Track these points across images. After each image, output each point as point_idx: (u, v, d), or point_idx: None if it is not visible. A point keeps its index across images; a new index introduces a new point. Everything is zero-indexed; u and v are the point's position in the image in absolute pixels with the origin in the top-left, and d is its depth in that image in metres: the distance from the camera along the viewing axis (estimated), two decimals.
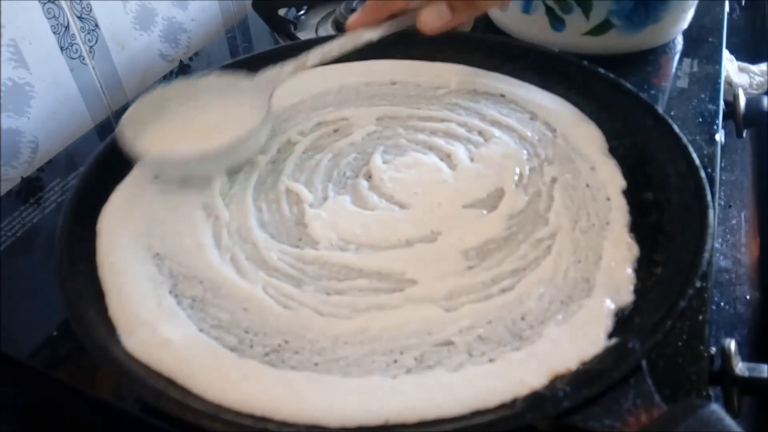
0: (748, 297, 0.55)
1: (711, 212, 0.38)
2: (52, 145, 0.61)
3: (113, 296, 0.39)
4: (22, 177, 0.57)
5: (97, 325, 0.37)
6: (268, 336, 0.36)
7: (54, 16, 0.59)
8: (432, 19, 0.46)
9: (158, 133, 0.47)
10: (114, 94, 0.67)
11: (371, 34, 0.48)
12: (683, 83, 0.60)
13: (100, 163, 0.47)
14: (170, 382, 0.34)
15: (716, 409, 0.28)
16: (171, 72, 0.71)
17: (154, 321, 0.37)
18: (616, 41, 0.61)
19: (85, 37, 0.62)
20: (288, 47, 0.60)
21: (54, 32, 0.59)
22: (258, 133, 0.47)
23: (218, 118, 0.48)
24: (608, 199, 0.43)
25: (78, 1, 0.61)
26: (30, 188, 0.56)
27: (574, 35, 0.61)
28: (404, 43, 0.58)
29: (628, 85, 0.49)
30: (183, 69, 0.72)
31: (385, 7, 0.48)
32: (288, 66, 0.49)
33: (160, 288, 0.39)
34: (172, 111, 0.48)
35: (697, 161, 0.42)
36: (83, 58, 0.63)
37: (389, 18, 0.48)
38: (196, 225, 0.43)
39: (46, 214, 0.52)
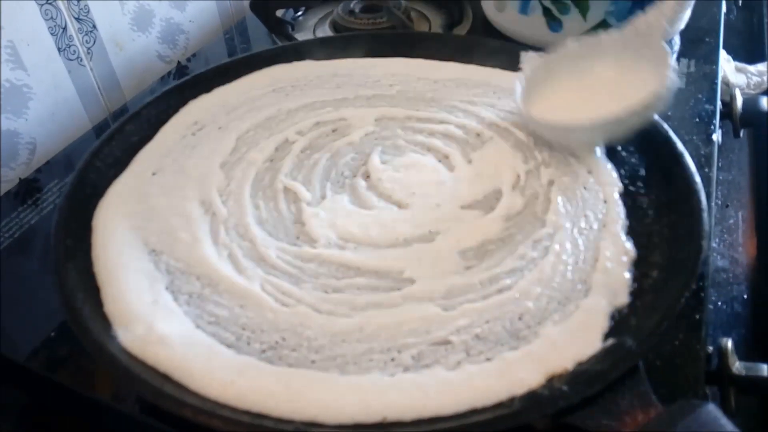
0: (745, 296, 0.55)
1: (706, 216, 0.39)
2: (50, 146, 0.60)
3: (109, 292, 0.39)
4: (20, 178, 0.57)
5: (93, 321, 0.37)
6: (266, 333, 0.37)
7: (52, 17, 0.59)
8: None
9: (549, 98, 0.47)
10: (112, 96, 0.67)
11: None
12: (680, 83, 0.60)
13: (96, 159, 0.47)
14: (167, 378, 0.34)
15: (713, 408, 0.28)
16: (169, 73, 0.71)
17: (150, 317, 0.37)
18: None
19: (82, 38, 0.62)
20: (286, 48, 0.61)
21: (52, 33, 0.59)
22: (653, 104, 0.43)
23: (613, 81, 0.46)
24: (605, 201, 0.43)
25: (75, 3, 0.61)
26: (28, 189, 0.55)
27: (571, 36, 0.61)
28: (403, 44, 0.58)
29: None
30: (181, 70, 0.72)
31: None
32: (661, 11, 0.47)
33: (157, 284, 0.39)
34: (563, 73, 0.48)
35: (693, 165, 0.42)
36: (81, 60, 0.63)
37: None
38: (192, 221, 0.43)
39: (44, 215, 0.52)
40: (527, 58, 0.50)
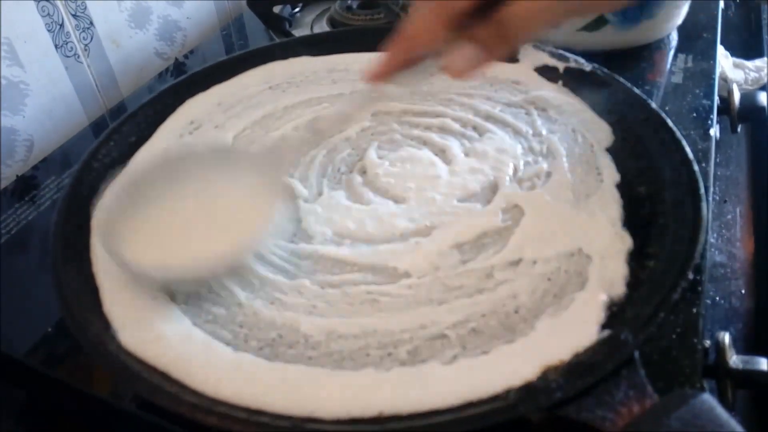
0: (743, 291, 0.55)
1: (704, 205, 0.38)
2: (47, 143, 0.61)
3: (108, 292, 0.39)
4: (17, 175, 0.57)
5: (91, 320, 0.37)
6: (263, 330, 0.37)
7: (48, 14, 0.59)
8: (460, 64, 0.36)
9: (142, 232, 0.38)
10: (109, 93, 0.67)
11: (392, 90, 0.39)
12: (678, 79, 0.60)
13: (94, 159, 0.47)
14: (165, 376, 0.34)
15: (708, 398, 0.28)
16: (166, 70, 0.71)
17: (148, 316, 0.37)
18: (610, 37, 0.61)
19: (80, 35, 0.62)
20: (283, 44, 0.60)
21: (49, 30, 0.59)
22: (277, 228, 0.38)
23: (216, 204, 0.39)
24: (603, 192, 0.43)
25: (72, 0, 0.61)
26: (25, 186, 0.56)
27: (569, 31, 0.61)
28: None
29: (622, 80, 0.50)
30: (178, 67, 0.72)
31: (406, 49, 0.37)
32: (293, 140, 0.42)
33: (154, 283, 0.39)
34: (154, 196, 0.39)
35: (691, 155, 0.42)
36: (78, 57, 0.63)
37: (409, 64, 0.38)
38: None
39: (42, 211, 0.52)
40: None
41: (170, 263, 0.37)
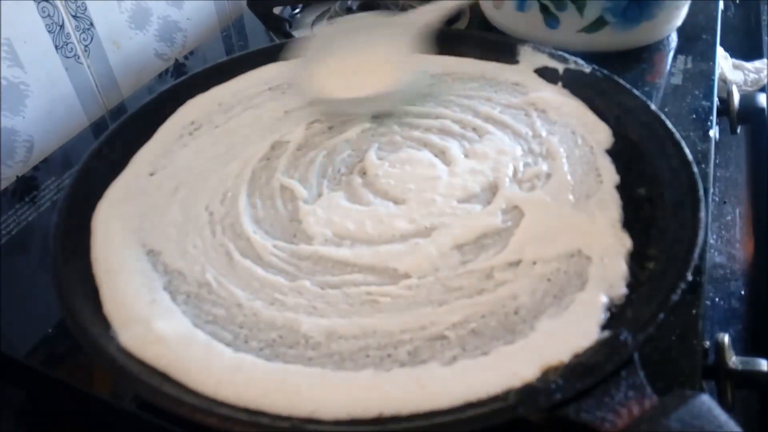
0: (742, 292, 0.55)
1: (703, 206, 0.39)
2: (47, 144, 0.61)
3: (107, 293, 0.39)
4: (17, 176, 0.57)
5: (91, 321, 0.37)
6: (263, 331, 0.37)
7: (49, 15, 0.59)
8: None
9: (325, 73, 0.52)
10: (109, 93, 0.67)
11: None
12: (677, 80, 0.60)
13: (95, 160, 0.47)
14: (165, 377, 0.34)
15: (707, 399, 0.28)
16: (166, 71, 0.71)
17: (148, 317, 0.37)
18: (610, 38, 0.61)
19: (80, 36, 0.62)
20: (284, 45, 0.60)
21: (49, 31, 0.59)
22: (406, 86, 0.51)
23: (376, 59, 0.53)
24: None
25: (73, 1, 0.61)
26: (25, 187, 0.56)
27: (568, 32, 0.61)
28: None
29: (622, 81, 0.50)
30: (178, 68, 0.72)
31: None
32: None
33: (155, 284, 0.39)
34: (337, 50, 0.53)
35: (690, 156, 0.42)
36: (78, 57, 0.63)
37: None
38: (190, 220, 0.43)
39: (42, 212, 0.52)
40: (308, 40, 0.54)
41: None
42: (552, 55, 0.54)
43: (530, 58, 0.55)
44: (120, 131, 0.50)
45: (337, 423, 0.32)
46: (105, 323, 0.37)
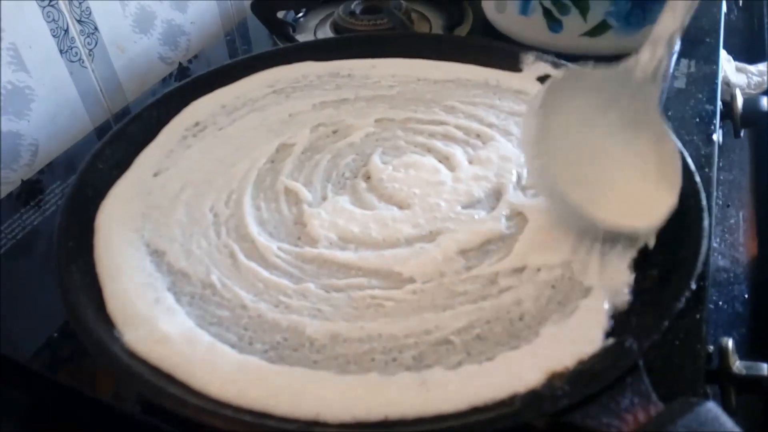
0: (746, 296, 0.55)
1: (707, 215, 0.39)
2: (52, 148, 0.61)
3: (111, 293, 0.39)
4: (22, 180, 0.57)
5: (95, 321, 0.37)
6: (268, 333, 0.37)
7: (53, 19, 0.59)
8: None
9: (566, 164, 0.36)
10: (114, 97, 0.67)
11: None
12: (681, 83, 0.60)
13: (98, 160, 0.47)
14: (169, 378, 0.34)
15: (712, 406, 0.28)
16: (170, 75, 0.71)
17: (152, 317, 0.37)
18: (613, 42, 0.61)
19: (84, 40, 0.63)
20: (286, 49, 0.61)
21: (53, 35, 0.59)
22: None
23: (617, 156, 0.37)
24: None
25: (77, 5, 0.61)
26: (30, 191, 0.56)
27: (571, 37, 0.61)
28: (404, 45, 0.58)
29: None
30: (182, 71, 0.72)
31: None
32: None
33: (159, 284, 0.39)
34: (567, 117, 0.37)
35: (692, 165, 0.42)
36: (83, 62, 0.63)
37: None
38: (194, 222, 0.44)
39: (46, 216, 0.52)
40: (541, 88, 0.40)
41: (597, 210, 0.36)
42: (555, 64, 0.54)
43: (533, 67, 0.55)
44: (124, 132, 0.50)
45: (342, 426, 0.32)
46: (109, 323, 0.37)
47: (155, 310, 0.38)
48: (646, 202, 0.36)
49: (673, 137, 0.37)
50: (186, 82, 0.56)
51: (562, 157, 0.37)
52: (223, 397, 0.33)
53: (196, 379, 0.34)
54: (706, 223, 0.38)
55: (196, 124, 0.52)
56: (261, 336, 0.37)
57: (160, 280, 0.40)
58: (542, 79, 0.54)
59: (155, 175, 0.48)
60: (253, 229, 0.43)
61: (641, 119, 0.37)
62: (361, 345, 0.36)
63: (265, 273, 0.40)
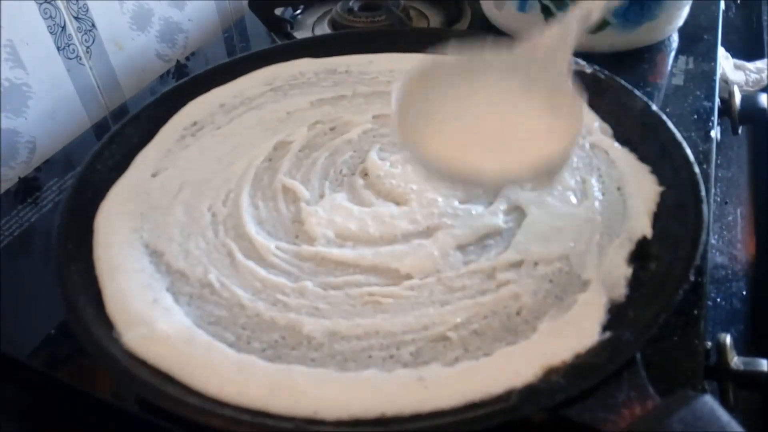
0: (744, 293, 0.55)
1: (705, 207, 0.39)
2: (49, 145, 0.61)
3: (110, 293, 0.39)
4: (19, 177, 0.57)
5: (94, 322, 0.37)
6: (266, 332, 0.37)
7: (51, 16, 0.59)
8: None
9: (433, 126, 0.37)
10: (111, 94, 0.67)
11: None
12: (679, 80, 0.60)
13: (97, 161, 0.47)
14: (168, 378, 0.34)
15: (709, 400, 0.28)
16: (168, 72, 0.71)
17: (151, 317, 0.37)
18: (611, 39, 0.61)
19: (82, 37, 0.63)
20: (284, 46, 0.61)
21: (51, 33, 0.59)
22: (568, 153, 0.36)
23: (506, 115, 0.37)
24: (603, 193, 0.43)
25: (75, 2, 0.61)
26: (28, 188, 0.56)
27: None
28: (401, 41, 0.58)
29: (623, 82, 0.50)
30: (180, 69, 0.72)
31: None
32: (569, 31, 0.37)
33: (157, 284, 0.39)
34: (442, 95, 0.38)
35: (692, 157, 0.42)
36: (80, 59, 0.63)
37: None
38: (192, 221, 0.44)
39: (44, 213, 0.52)
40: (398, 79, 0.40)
41: (469, 165, 0.35)
42: None
43: None
44: (122, 132, 0.50)
45: (340, 423, 0.32)
46: (108, 324, 0.37)
47: (154, 310, 0.38)
48: (535, 148, 0.36)
49: (573, 89, 0.37)
50: (183, 81, 0.56)
51: (439, 126, 0.37)
52: (222, 396, 0.33)
53: (194, 378, 0.34)
54: (704, 214, 0.38)
55: (194, 123, 0.52)
56: (259, 335, 0.37)
57: (159, 280, 0.40)
58: None
59: (154, 175, 0.47)
60: (251, 228, 0.43)
61: (541, 83, 0.37)
62: (359, 342, 0.36)
63: (263, 272, 0.40)
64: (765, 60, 0.70)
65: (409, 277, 0.39)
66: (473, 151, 0.36)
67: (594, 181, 0.44)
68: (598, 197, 0.43)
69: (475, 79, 0.38)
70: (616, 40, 0.61)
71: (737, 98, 0.58)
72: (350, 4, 0.73)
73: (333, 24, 0.73)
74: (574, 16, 0.37)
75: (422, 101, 0.38)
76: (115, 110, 0.66)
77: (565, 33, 0.37)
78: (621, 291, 0.36)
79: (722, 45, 0.66)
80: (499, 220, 0.42)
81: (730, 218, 0.61)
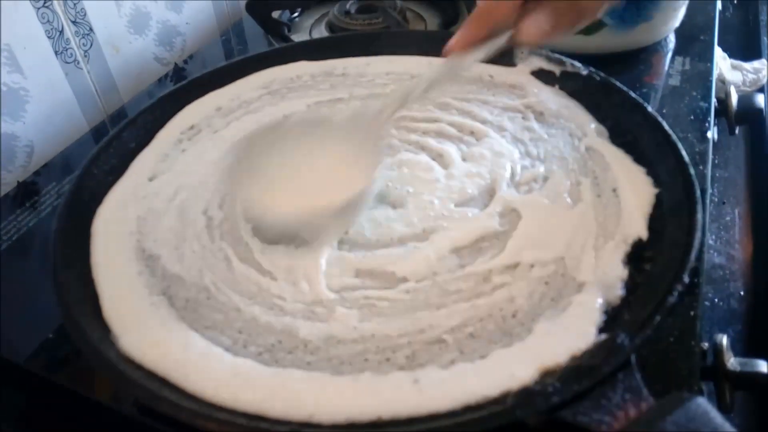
0: (741, 293, 0.55)
1: (700, 208, 0.39)
2: (47, 149, 0.61)
3: (107, 298, 0.39)
4: (18, 181, 0.58)
5: (91, 326, 0.37)
6: (262, 336, 0.37)
7: (48, 20, 0.59)
8: (532, 31, 0.41)
9: (260, 183, 0.42)
10: (109, 98, 0.67)
11: (475, 56, 0.42)
12: (675, 81, 0.60)
13: (94, 165, 0.47)
14: (164, 382, 0.34)
15: (703, 402, 0.28)
16: (166, 75, 0.71)
17: (148, 322, 0.37)
18: (608, 40, 0.61)
19: (79, 41, 0.63)
20: (282, 49, 0.61)
21: (48, 37, 0.60)
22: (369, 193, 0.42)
23: (322, 167, 0.43)
24: (599, 196, 0.43)
25: (72, 6, 0.61)
26: (26, 192, 0.56)
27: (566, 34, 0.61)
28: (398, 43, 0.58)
29: (618, 83, 0.50)
30: (178, 72, 0.72)
31: (489, 18, 0.42)
32: (388, 107, 0.43)
33: (154, 288, 0.40)
34: (268, 155, 0.43)
35: (687, 158, 0.42)
36: (78, 63, 0.63)
37: (490, 34, 0.43)
38: (189, 225, 0.44)
39: (42, 217, 0.53)
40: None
41: (294, 210, 0.41)
42: (549, 58, 0.54)
43: (527, 61, 0.55)
44: (119, 136, 0.50)
45: (336, 427, 0.32)
46: (105, 328, 0.37)
47: (150, 314, 0.38)
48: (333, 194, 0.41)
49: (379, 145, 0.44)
50: (181, 85, 0.56)
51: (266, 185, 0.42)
52: (218, 400, 0.33)
53: (190, 382, 0.34)
54: (699, 216, 0.38)
55: (191, 127, 0.52)
56: (255, 339, 0.37)
57: (155, 285, 0.40)
58: (536, 73, 0.54)
59: (150, 179, 0.48)
60: (247, 232, 0.43)
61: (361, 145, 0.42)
62: (355, 346, 0.36)
63: (258, 276, 0.40)
64: (762, 60, 0.70)
65: (404, 280, 0.39)
66: (284, 197, 0.42)
67: (589, 183, 0.44)
68: (593, 199, 0.43)
69: (316, 136, 0.43)
70: (612, 41, 0.61)
71: (734, 98, 0.58)
72: (347, 6, 0.73)
73: (330, 26, 0.73)
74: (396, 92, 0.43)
75: (262, 155, 0.43)
76: (113, 114, 0.66)
77: (389, 110, 0.43)
78: (616, 293, 0.36)
79: (719, 45, 0.66)
80: (495, 223, 0.42)
81: (727, 218, 0.61)
